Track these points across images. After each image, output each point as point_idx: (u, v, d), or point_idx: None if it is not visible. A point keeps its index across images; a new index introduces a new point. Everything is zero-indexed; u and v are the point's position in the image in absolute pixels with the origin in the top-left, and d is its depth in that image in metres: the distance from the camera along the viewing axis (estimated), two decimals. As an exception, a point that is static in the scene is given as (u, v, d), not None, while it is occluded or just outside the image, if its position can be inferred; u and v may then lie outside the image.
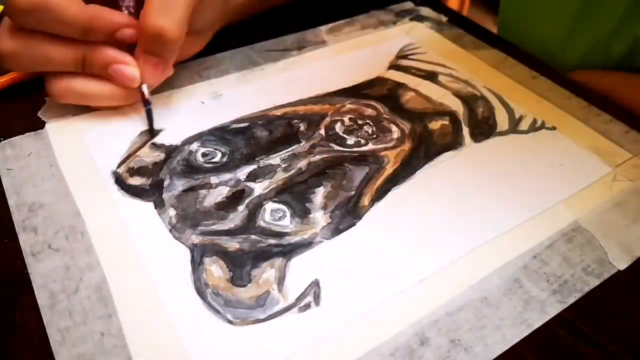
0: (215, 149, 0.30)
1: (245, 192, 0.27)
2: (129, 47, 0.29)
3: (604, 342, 0.22)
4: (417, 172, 0.29)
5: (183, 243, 0.25)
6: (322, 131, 0.31)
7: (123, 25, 0.28)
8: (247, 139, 0.31)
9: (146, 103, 0.30)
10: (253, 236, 0.25)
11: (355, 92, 0.35)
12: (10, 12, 0.27)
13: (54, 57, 0.28)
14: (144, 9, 0.28)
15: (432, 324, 0.22)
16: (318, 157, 0.30)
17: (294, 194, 0.27)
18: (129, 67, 0.28)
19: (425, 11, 0.44)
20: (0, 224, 0.25)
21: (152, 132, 0.30)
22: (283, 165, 0.29)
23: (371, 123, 0.32)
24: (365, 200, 0.27)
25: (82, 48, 0.28)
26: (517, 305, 0.23)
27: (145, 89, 0.30)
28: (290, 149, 0.30)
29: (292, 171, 0.29)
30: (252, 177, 0.28)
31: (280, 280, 0.23)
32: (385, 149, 0.30)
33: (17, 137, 0.30)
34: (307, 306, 0.22)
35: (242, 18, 0.40)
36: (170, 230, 0.25)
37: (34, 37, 0.28)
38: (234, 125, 0.32)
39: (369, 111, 0.33)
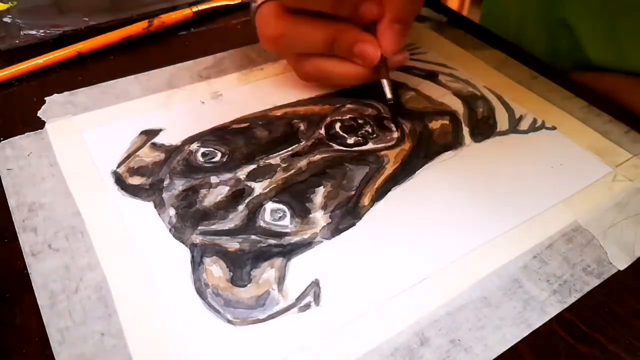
0: (215, 149, 0.30)
1: (245, 192, 0.27)
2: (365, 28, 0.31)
3: (604, 342, 0.22)
4: (417, 172, 0.29)
5: (183, 243, 0.25)
6: (322, 131, 0.31)
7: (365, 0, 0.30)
8: (247, 139, 0.30)
9: (391, 99, 0.31)
10: (253, 236, 0.25)
11: (355, 92, 0.35)
12: None
13: (310, 37, 0.30)
14: None
15: (432, 324, 0.22)
16: (318, 156, 0.30)
17: (294, 193, 0.27)
18: (371, 45, 0.30)
19: (425, 11, 0.44)
20: (0, 224, 0.25)
21: (395, 124, 0.32)
22: (283, 165, 0.29)
23: (371, 122, 0.32)
24: (365, 200, 0.27)
25: (332, 28, 0.30)
26: (517, 305, 0.23)
27: (386, 85, 0.31)
28: (290, 149, 0.30)
29: (292, 171, 0.29)
30: (252, 176, 0.28)
31: (280, 280, 0.23)
32: (385, 148, 0.30)
33: (17, 137, 0.30)
34: (307, 306, 0.22)
35: None
36: (170, 230, 0.25)
37: (296, 20, 0.30)
38: (234, 125, 0.32)
39: (369, 110, 0.33)
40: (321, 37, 0.30)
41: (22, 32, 0.38)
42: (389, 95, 0.31)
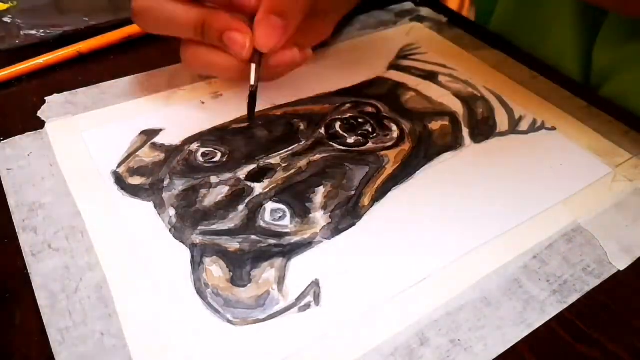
0: (215, 149, 0.30)
1: (245, 192, 0.27)
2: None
3: (604, 342, 0.22)
4: (417, 172, 0.29)
5: (183, 243, 0.25)
6: (322, 130, 0.31)
7: None
8: (247, 139, 0.30)
9: (251, 87, 0.29)
10: (253, 236, 0.25)
11: (355, 92, 0.35)
12: None
13: (176, 18, 0.28)
14: None
15: (432, 324, 0.22)
16: (318, 156, 0.30)
17: (294, 193, 0.27)
18: (240, 35, 0.28)
19: (425, 11, 0.44)
20: (0, 224, 0.25)
21: (250, 117, 0.30)
22: (283, 165, 0.29)
23: (371, 121, 0.32)
24: (365, 200, 0.27)
25: (202, 12, 0.28)
26: (517, 305, 0.23)
27: (253, 70, 0.28)
28: (290, 149, 0.30)
29: (292, 171, 0.29)
30: (252, 176, 0.28)
31: (280, 280, 0.23)
32: (385, 148, 0.30)
33: (17, 137, 0.30)
34: (307, 306, 0.22)
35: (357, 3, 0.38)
36: (170, 230, 0.25)
37: None
38: (234, 125, 0.32)
39: (369, 109, 0.33)
40: (190, 20, 0.28)
41: (22, 32, 0.38)
42: (252, 81, 0.28)
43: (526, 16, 0.43)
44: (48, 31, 0.38)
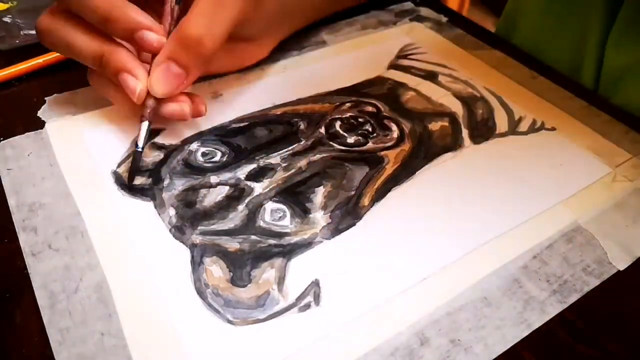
0: (215, 149, 0.30)
1: (245, 192, 0.27)
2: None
3: (604, 342, 0.22)
4: (417, 173, 0.29)
5: (183, 243, 0.25)
6: (322, 130, 0.31)
7: (144, 26, 0.26)
8: (247, 138, 0.31)
9: (136, 147, 0.27)
10: (253, 236, 0.25)
11: (355, 91, 0.35)
12: None
13: (76, 44, 0.27)
14: (187, 16, 0.27)
15: (432, 324, 0.22)
16: (318, 156, 0.30)
17: (294, 193, 0.27)
18: (134, 80, 0.27)
19: (425, 11, 0.44)
20: (0, 224, 0.25)
21: (131, 177, 0.27)
22: (283, 165, 0.29)
23: (371, 121, 0.32)
24: (365, 200, 0.27)
25: (102, 45, 0.27)
26: (517, 305, 0.23)
27: (142, 130, 0.27)
28: (290, 148, 0.30)
29: (292, 170, 0.29)
30: (252, 176, 0.28)
31: (280, 280, 0.23)
32: (385, 148, 0.30)
33: (17, 137, 0.30)
34: (307, 306, 0.22)
35: (308, 23, 0.39)
36: (170, 230, 0.25)
37: (68, 21, 0.27)
38: (234, 125, 0.32)
39: (369, 109, 0.33)
40: (90, 50, 0.27)
41: (22, 32, 0.38)
42: (140, 141, 0.27)
43: (553, 30, 0.43)
44: (48, 31, 0.38)
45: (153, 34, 0.26)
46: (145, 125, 0.27)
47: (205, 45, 0.27)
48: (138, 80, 0.27)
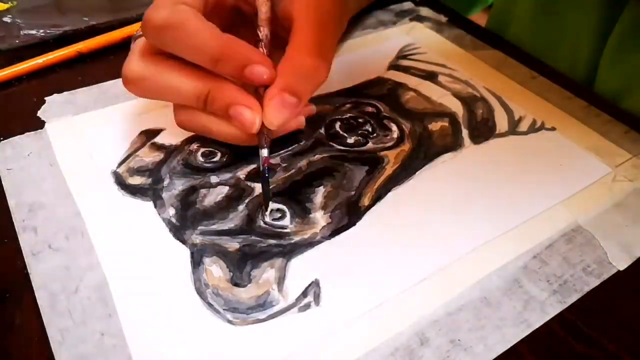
0: (215, 149, 0.30)
1: (245, 192, 0.27)
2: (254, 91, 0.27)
3: (604, 342, 0.22)
4: (417, 173, 0.29)
5: (183, 243, 0.25)
6: (322, 130, 0.31)
7: (255, 61, 0.25)
8: (247, 139, 0.30)
9: (263, 170, 0.26)
10: (253, 236, 0.25)
11: (355, 92, 0.35)
12: (145, 29, 0.25)
13: (178, 87, 0.26)
14: (295, 44, 0.26)
15: (432, 324, 0.22)
16: (318, 156, 0.30)
17: (294, 193, 0.27)
18: (250, 112, 0.26)
19: (425, 11, 0.44)
20: (0, 224, 0.25)
21: (266, 200, 0.26)
22: (283, 165, 0.29)
23: (371, 121, 0.32)
24: (365, 200, 0.27)
25: (207, 82, 0.26)
26: (517, 305, 0.23)
27: (264, 153, 0.26)
28: (290, 148, 0.30)
29: (292, 171, 0.29)
30: (252, 176, 0.28)
31: (280, 280, 0.23)
32: (385, 148, 0.30)
33: (17, 137, 0.30)
34: (307, 306, 0.22)
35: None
36: (170, 230, 0.25)
37: (163, 64, 0.26)
38: (234, 125, 0.32)
39: (369, 109, 0.33)
40: (192, 91, 0.26)
41: (22, 32, 0.38)
42: (264, 154, 0.26)
43: (544, 25, 0.43)
44: (48, 31, 0.38)
45: (263, 68, 0.25)
46: (264, 152, 0.26)
47: (322, 73, 0.26)
48: (254, 112, 0.26)
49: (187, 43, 0.25)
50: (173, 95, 0.27)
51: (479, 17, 0.54)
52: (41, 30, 0.38)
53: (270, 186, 0.27)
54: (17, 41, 0.38)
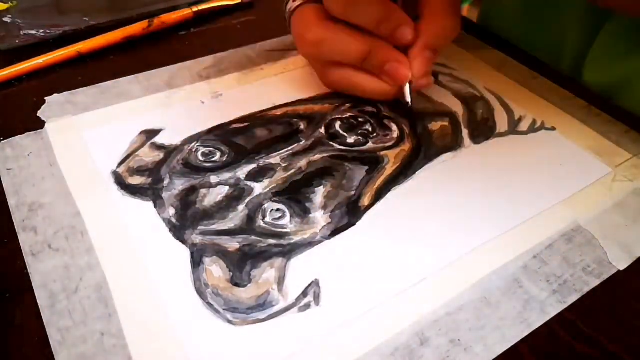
0: (215, 149, 0.30)
1: (245, 192, 0.27)
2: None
3: (604, 342, 0.22)
4: (417, 173, 0.29)
5: (183, 243, 0.25)
6: (323, 130, 0.31)
7: (405, 22, 0.30)
8: (247, 138, 0.31)
9: (407, 103, 0.32)
10: (253, 236, 0.25)
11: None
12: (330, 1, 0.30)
13: (348, 47, 0.31)
14: (431, 6, 0.31)
15: (432, 324, 0.22)
16: (318, 156, 0.30)
17: (294, 193, 0.27)
18: (404, 67, 0.31)
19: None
20: (0, 224, 0.25)
21: (412, 117, 0.33)
22: (283, 165, 0.29)
23: (371, 121, 0.32)
24: (365, 200, 0.27)
25: (369, 43, 0.30)
26: (517, 305, 0.23)
27: (407, 89, 0.32)
28: (290, 148, 0.30)
29: (292, 170, 0.29)
30: (252, 176, 0.28)
31: (280, 280, 0.23)
32: (385, 148, 0.30)
33: (17, 137, 0.30)
34: (307, 306, 0.22)
35: None
36: (170, 230, 0.25)
37: (336, 28, 0.31)
38: (234, 125, 0.32)
39: (369, 109, 0.33)
40: (358, 49, 0.31)
41: (22, 32, 0.38)
42: (408, 98, 0.32)
43: (534, 16, 0.43)
44: (48, 31, 0.38)
45: (409, 29, 0.30)
46: (408, 97, 0.32)
47: (457, 29, 0.32)
48: (406, 68, 0.31)
49: (365, 6, 0.30)
50: (343, 54, 0.31)
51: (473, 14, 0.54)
52: (41, 30, 0.38)
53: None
54: (17, 41, 0.38)
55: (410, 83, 0.31)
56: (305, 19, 0.32)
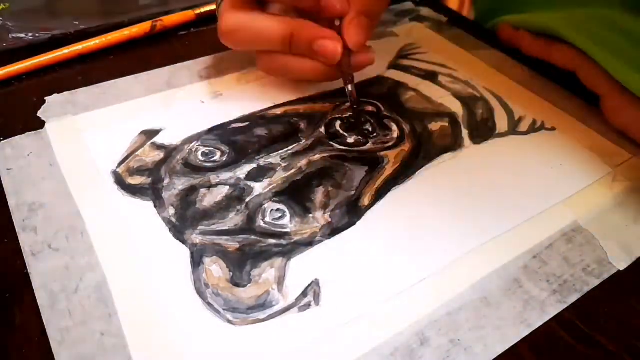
0: (215, 148, 0.30)
1: (245, 192, 0.27)
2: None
3: (604, 342, 0.22)
4: (417, 173, 0.29)
5: (183, 243, 0.25)
6: (323, 129, 0.31)
7: None
8: (247, 138, 0.31)
9: (347, 79, 0.31)
10: (253, 236, 0.25)
11: (355, 90, 0.35)
12: None
13: (268, 33, 0.29)
14: None
15: (432, 324, 0.22)
16: (318, 156, 0.30)
17: (294, 193, 0.27)
18: (331, 42, 0.29)
19: (425, 11, 0.44)
20: (0, 224, 0.25)
21: (356, 105, 0.31)
22: (283, 165, 0.29)
23: (371, 121, 0.32)
24: (365, 200, 0.27)
25: (289, 25, 0.29)
26: (517, 305, 0.23)
27: (350, 88, 0.31)
28: (290, 148, 0.30)
29: (292, 170, 0.29)
30: (252, 176, 0.28)
31: (280, 280, 0.23)
32: (385, 148, 0.30)
33: (17, 137, 0.30)
34: (307, 306, 0.22)
35: None
36: (170, 230, 0.25)
37: (252, 14, 0.30)
38: (234, 125, 0.32)
39: (369, 108, 0.33)
40: (279, 34, 0.29)
41: (10, 35, 0.37)
42: (350, 88, 0.31)
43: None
44: (37, 35, 0.38)
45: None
46: (350, 87, 0.31)
47: None
48: (335, 42, 0.29)
49: None
50: (262, 41, 0.30)
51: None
52: (30, 34, 0.38)
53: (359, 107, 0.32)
54: (4, 44, 0.37)
55: (348, 61, 0.30)
56: (221, 9, 0.31)
